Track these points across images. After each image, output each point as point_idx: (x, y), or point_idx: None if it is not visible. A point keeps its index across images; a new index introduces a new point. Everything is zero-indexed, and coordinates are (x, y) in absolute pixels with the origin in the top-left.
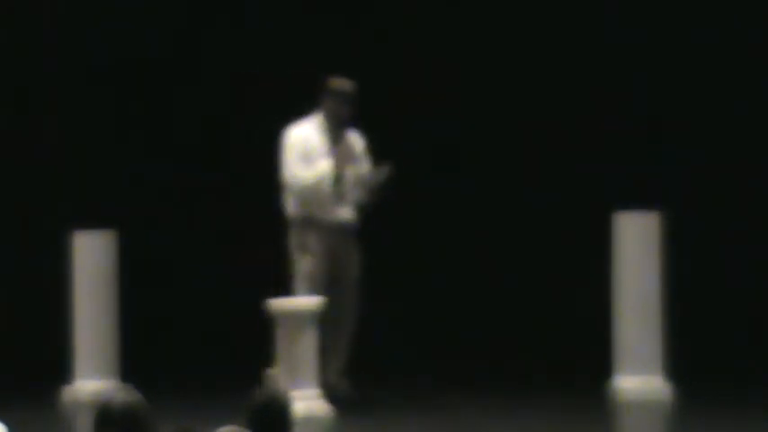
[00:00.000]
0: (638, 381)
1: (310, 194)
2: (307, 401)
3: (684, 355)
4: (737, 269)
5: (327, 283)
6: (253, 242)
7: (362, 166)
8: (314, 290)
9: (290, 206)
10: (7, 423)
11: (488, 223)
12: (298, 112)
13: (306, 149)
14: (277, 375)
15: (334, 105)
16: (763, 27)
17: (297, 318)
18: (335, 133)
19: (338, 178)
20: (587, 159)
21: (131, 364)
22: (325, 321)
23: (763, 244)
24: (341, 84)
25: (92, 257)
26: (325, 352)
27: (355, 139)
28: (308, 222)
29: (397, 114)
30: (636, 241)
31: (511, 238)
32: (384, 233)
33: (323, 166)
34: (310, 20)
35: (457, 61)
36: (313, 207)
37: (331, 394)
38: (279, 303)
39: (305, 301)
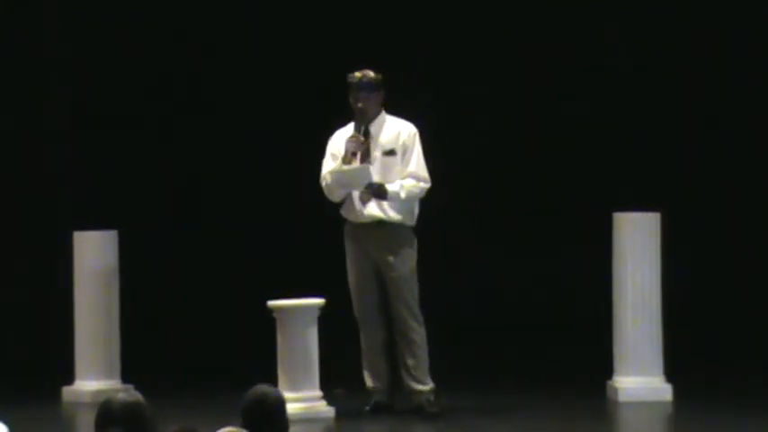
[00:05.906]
0: (638, 381)
1: (330, 192)
2: (307, 401)
3: (684, 355)
4: (737, 269)
5: (369, 284)
6: (253, 242)
7: (410, 160)
8: (354, 291)
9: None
10: (8, 423)
11: (487, 223)
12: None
13: (339, 149)
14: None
15: (350, 98)
16: (764, 26)
17: (297, 317)
18: (364, 128)
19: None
20: (587, 159)
21: (131, 365)
22: (374, 322)
23: (762, 244)
24: (350, 75)
25: (92, 257)
26: (372, 353)
27: (389, 131)
28: (345, 222)
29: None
30: (635, 241)
31: (510, 237)
32: None
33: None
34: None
35: (455, 59)
36: (343, 206)
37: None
38: (279, 303)
39: (305, 301)
